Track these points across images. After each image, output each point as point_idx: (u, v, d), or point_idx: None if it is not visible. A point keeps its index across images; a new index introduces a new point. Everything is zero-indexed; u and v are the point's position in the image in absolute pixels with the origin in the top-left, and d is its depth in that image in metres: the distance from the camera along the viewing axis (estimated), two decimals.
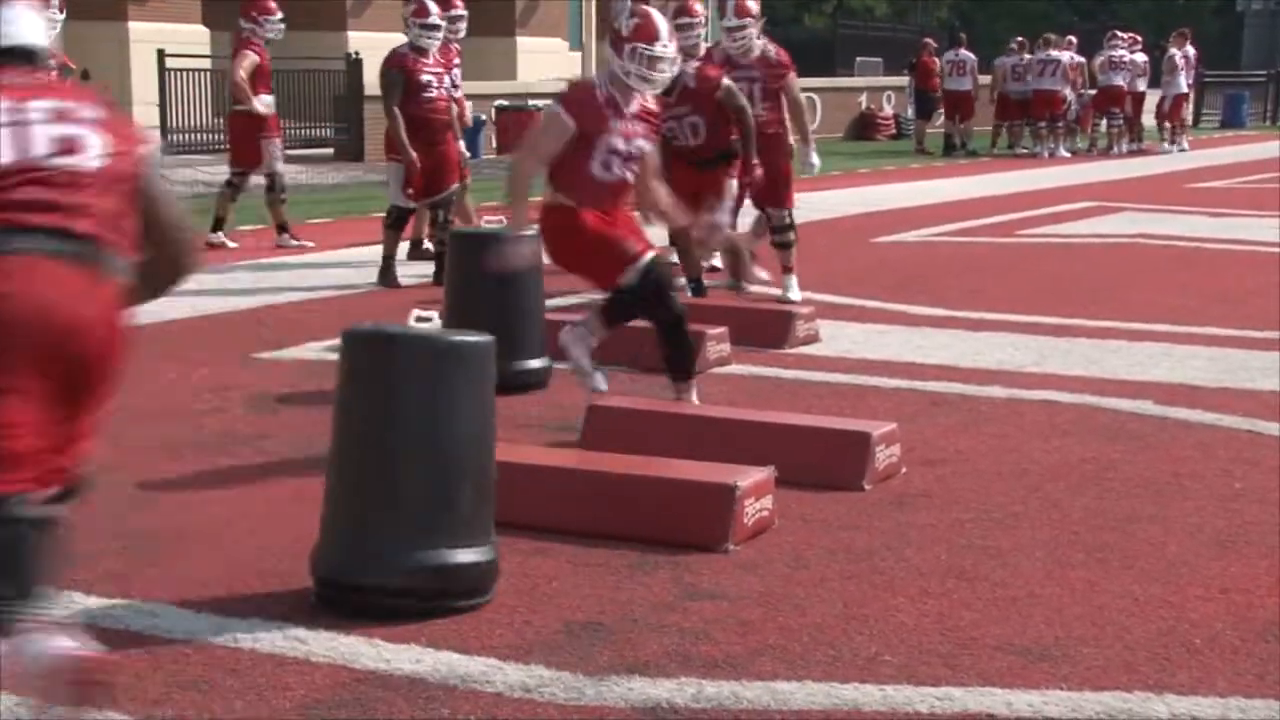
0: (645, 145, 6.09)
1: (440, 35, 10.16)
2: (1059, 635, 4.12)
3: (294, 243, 12.05)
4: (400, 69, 9.86)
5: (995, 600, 4.39)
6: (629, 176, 6.08)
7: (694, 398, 6.27)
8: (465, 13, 11.10)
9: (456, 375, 4.19)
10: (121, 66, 22.73)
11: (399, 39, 10.39)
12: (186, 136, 19.36)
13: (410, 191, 10.04)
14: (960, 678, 3.84)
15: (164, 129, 18.99)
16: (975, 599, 4.40)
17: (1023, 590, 4.48)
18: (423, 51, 10.02)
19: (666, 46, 6.01)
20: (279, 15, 12.14)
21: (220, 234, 12.00)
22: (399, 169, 10.00)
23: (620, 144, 5.99)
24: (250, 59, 11.95)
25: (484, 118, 21.24)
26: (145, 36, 22.25)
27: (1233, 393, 7.13)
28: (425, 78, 9.90)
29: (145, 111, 21.52)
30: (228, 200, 12.17)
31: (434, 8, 10.13)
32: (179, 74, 19.24)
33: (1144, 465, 5.88)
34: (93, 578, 4.45)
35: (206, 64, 20.76)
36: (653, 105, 6.17)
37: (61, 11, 9.33)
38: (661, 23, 6.08)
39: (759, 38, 9.27)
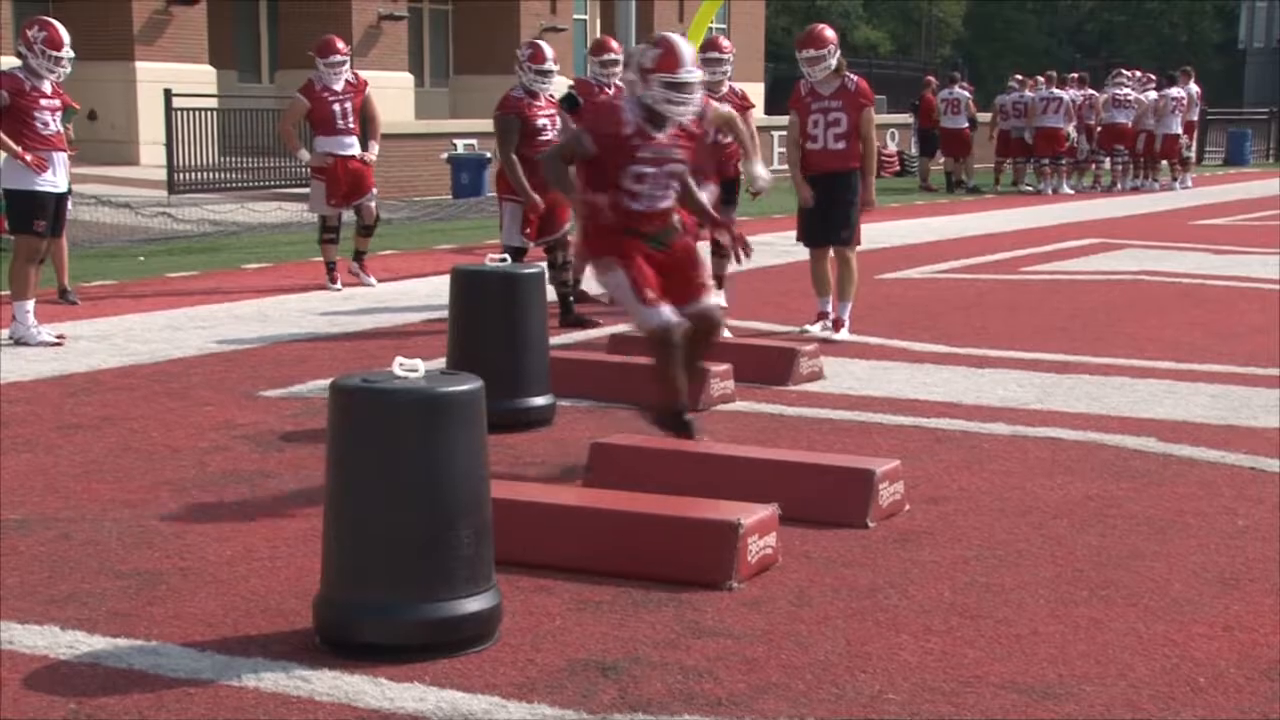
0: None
1: (553, 80, 10.24)
2: (1063, 673, 4.12)
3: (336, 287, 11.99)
4: (516, 114, 9.91)
5: (999, 638, 4.39)
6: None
7: None
8: (620, 57, 11.12)
9: (445, 425, 4.15)
10: (129, 106, 22.88)
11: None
12: (193, 175, 19.44)
13: (528, 231, 10.03)
14: (964, 716, 3.83)
15: (170, 168, 19.07)
16: (979, 637, 4.40)
17: (1026, 628, 4.47)
18: (535, 95, 10.09)
19: None
20: (337, 56, 11.79)
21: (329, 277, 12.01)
22: (515, 210, 9.95)
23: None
24: (296, 106, 11.91)
25: (489, 155, 21.31)
26: (152, 76, 22.39)
27: (1236, 430, 7.13)
28: (540, 121, 9.98)
29: (152, 151, 21.66)
30: (328, 243, 12.10)
31: (549, 53, 10.19)
32: (186, 113, 19.34)
33: (1148, 503, 5.88)
34: (96, 616, 4.46)
35: (213, 103, 20.86)
36: None
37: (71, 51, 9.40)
38: None
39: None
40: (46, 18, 9.65)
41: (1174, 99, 25.29)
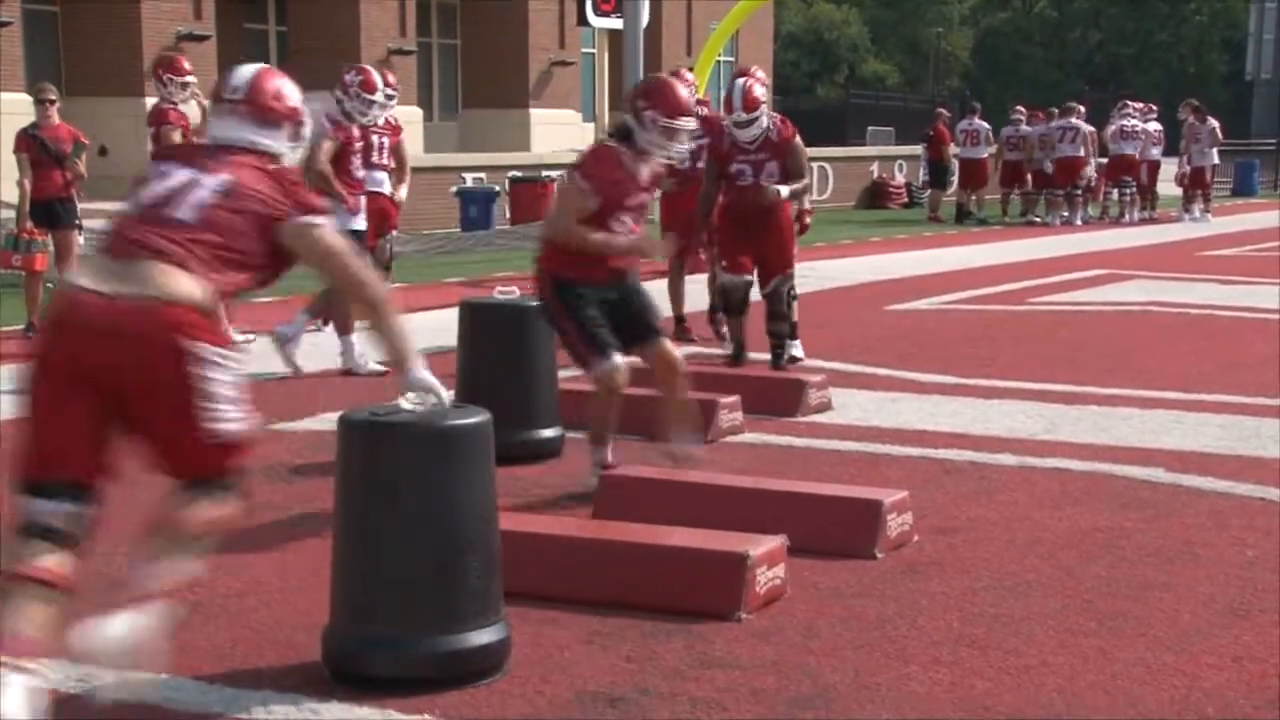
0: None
1: (758, 127, 10.17)
2: (1071, 704, 4.12)
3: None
4: (714, 158, 9.88)
5: (1008, 669, 4.39)
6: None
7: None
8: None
9: (454, 458, 4.17)
10: (140, 141, 22.90)
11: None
12: None
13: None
14: None
15: None
16: (988, 667, 4.40)
17: (1035, 659, 4.47)
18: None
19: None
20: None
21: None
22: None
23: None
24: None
25: (498, 189, 21.40)
26: None
27: (1244, 460, 7.12)
28: (735, 167, 9.91)
29: None
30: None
31: (739, 100, 10.10)
32: None
33: (1156, 533, 5.88)
34: None
35: None
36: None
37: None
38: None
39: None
40: (364, 65, 10.28)
41: (1211, 129, 25.33)
